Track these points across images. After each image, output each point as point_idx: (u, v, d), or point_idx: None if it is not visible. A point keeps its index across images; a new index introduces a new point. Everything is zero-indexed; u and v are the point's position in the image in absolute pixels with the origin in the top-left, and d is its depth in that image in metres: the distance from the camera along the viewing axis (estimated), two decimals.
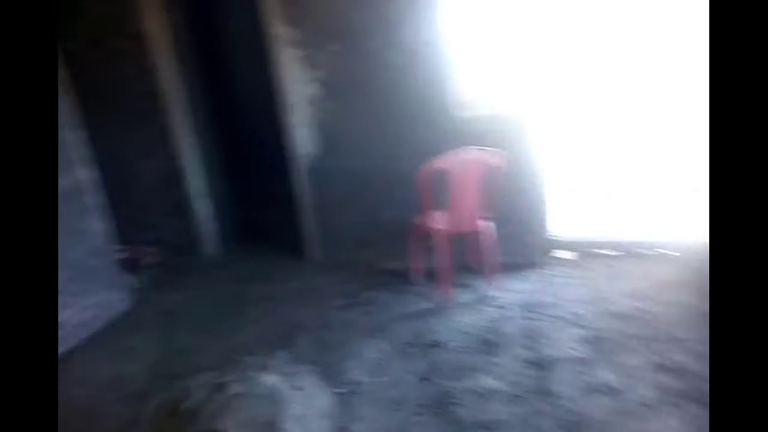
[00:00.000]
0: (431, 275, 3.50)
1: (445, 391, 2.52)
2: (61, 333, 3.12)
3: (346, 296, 3.52)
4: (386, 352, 2.87)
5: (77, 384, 2.84)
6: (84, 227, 3.35)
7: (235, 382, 2.54)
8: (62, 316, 3.14)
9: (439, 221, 3.25)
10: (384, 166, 3.74)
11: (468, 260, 3.67)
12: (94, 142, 3.98)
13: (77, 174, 3.31)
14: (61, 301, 3.13)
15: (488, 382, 2.56)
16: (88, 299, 3.33)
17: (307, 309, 3.41)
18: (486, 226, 3.32)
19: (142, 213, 4.41)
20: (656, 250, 3.67)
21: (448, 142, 3.31)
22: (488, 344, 2.85)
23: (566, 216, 3.94)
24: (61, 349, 3.11)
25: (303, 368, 2.75)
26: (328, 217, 3.99)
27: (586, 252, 3.81)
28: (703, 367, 2.44)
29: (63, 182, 3.20)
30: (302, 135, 3.83)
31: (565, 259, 3.77)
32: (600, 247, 3.81)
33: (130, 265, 4.01)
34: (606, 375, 2.51)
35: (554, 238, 3.81)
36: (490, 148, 3.14)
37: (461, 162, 3.11)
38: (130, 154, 4.27)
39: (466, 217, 3.26)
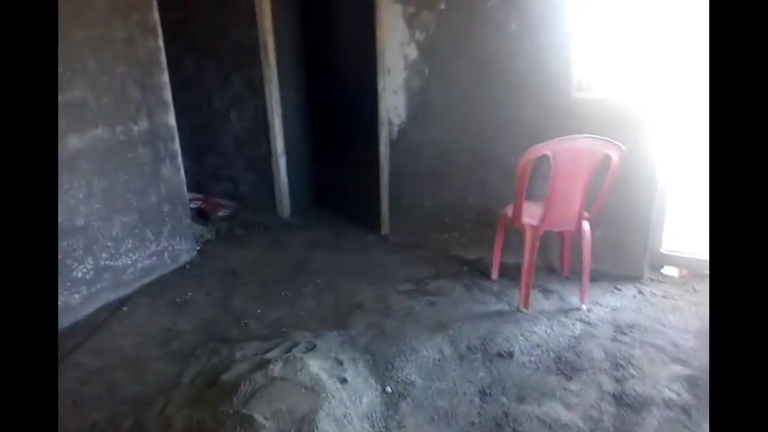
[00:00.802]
0: (512, 273, 3.12)
1: (506, 411, 2.18)
2: (122, 277, 3.10)
3: (413, 281, 3.24)
4: (446, 353, 2.56)
5: (128, 332, 2.79)
6: (161, 172, 3.28)
7: (279, 361, 2.36)
8: (125, 260, 3.11)
9: (533, 215, 2.83)
10: (478, 145, 3.37)
11: (556, 262, 3.25)
12: (189, 88, 3.93)
13: (158, 119, 3.22)
14: (126, 245, 3.10)
15: (558, 410, 2.19)
16: (154, 246, 3.29)
17: (370, 288, 3.17)
18: (587, 228, 2.87)
19: (223, 164, 4.36)
20: None
21: (561, 125, 2.90)
22: (565, 365, 2.46)
23: (681, 227, 3.38)
24: (120, 293, 3.09)
25: (352, 355, 2.52)
26: (407, 191, 3.71)
27: (699, 271, 3.26)
28: None
29: (144, 125, 3.14)
30: (392, 101, 3.52)
31: (673, 277, 3.24)
32: None
33: (202, 216, 3.96)
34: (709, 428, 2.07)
35: (664, 250, 3.29)
36: (607, 139, 2.64)
37: (571, 150, 2.64)
38: (221, 104, 4.21)
39: (567, 214, 2.80)
